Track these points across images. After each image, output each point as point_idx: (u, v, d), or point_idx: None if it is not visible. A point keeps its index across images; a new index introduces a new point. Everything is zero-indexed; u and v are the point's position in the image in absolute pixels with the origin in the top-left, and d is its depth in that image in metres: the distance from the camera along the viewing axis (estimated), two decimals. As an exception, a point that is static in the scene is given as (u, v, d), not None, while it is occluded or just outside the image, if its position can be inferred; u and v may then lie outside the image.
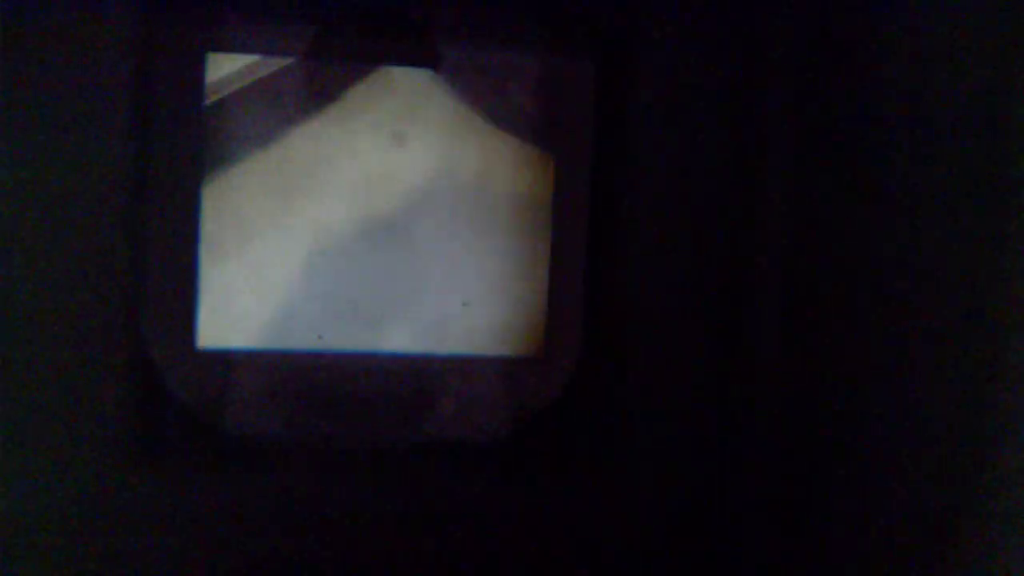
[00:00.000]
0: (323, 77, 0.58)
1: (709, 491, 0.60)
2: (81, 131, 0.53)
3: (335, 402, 0.59)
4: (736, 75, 0.58)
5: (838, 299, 0.53)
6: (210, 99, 0.56)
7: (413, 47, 0.59)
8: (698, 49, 0.58)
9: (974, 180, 0.44)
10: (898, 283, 0.48)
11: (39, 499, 0.54)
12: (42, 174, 0.53)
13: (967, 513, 0.44)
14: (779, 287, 0.57)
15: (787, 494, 0.56)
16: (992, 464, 0.42)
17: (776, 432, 0.57)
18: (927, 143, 0.47)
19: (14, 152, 0.52)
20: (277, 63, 0.58)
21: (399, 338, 0.60)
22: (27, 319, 0.53)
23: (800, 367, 0.55)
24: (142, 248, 0.55)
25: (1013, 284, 0.42)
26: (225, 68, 0.57)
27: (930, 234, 0.46)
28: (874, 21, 0.51)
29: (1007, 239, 0.42)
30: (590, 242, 0.60)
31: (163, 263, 0.56)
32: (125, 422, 0.54)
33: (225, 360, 0.57)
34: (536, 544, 0.59)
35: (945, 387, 0.45)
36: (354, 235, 0.59)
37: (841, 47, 0.54)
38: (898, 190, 0.49)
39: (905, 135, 0.48)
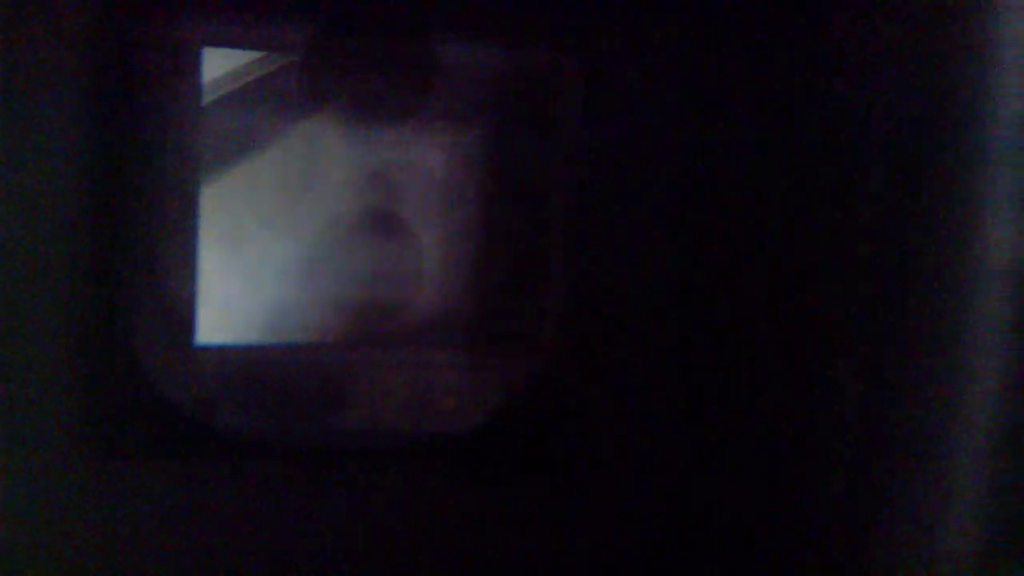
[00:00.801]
0: (321, 74, 0.59)
1: (689, 488, 0.60)
2: (74, 127, 0.53)
3: (326, 397, 0.59)
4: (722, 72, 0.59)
5: (821, 298, 0.54)
6: (208, 97, 0.56)
7: (409, 45, 0.59)
8: (685, 48, 0.59)
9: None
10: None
11: (24, 498, 0.54)
12: (35, 170, 0.53)
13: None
14: (763, 280, 0.58)
15: (770, 491, 0.57)
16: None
17: (770, 429, 0.57)
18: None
19: (6, 148, 0.52)
20: (275, 60, 0.58)
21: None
22: (14, 316, 0.53)
23: (791, 362, 0.56)
24: (138, 246, 0.55)
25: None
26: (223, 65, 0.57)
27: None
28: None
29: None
30: (570, 235, 0.61)
31: (160, 259, 0.55)
32: (116, 421, 0.54)
33: (223, 356, 0.57)
34: (513, 541, 0.59)
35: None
36: (346, 230, 0.59)
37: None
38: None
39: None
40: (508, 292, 0.61)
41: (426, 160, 0.60)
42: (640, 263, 0.60)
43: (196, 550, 0.56)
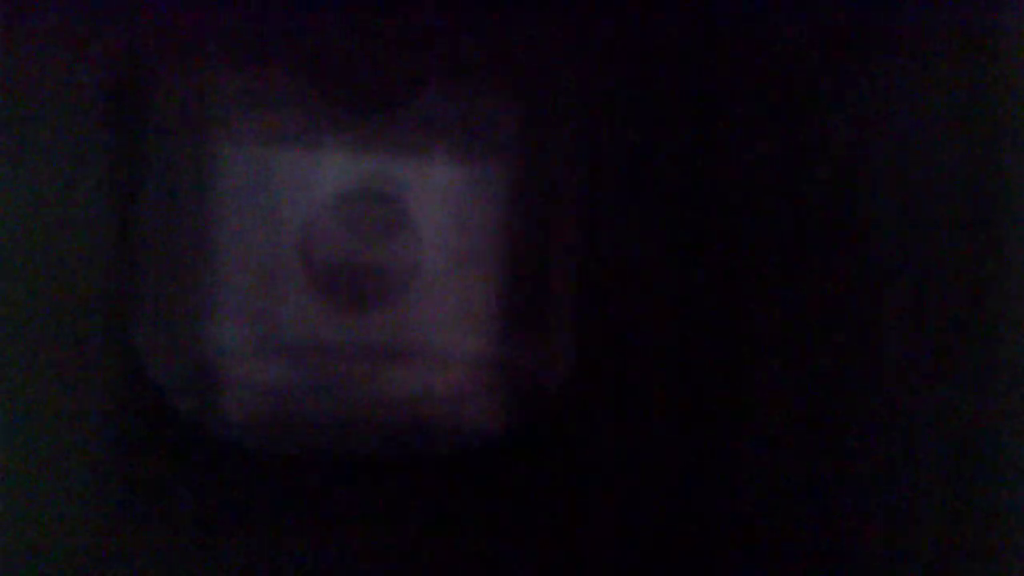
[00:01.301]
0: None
1: (706, 499, 0.61)
2: (76, 132, 0.53)
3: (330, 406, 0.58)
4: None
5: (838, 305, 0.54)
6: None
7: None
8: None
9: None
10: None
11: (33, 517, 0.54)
12: (36, 175, 0.53)
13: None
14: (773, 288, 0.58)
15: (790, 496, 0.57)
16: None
17: (780, 434, 0.58)
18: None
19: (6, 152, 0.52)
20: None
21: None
22: (14, 326, 0.53)
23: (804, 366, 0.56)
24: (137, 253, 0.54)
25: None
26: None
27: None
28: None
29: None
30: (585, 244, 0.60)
31: (160, 268, 0.55)
32: (118, 430, 0.54)
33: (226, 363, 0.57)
34: (526, 550, 0.59)
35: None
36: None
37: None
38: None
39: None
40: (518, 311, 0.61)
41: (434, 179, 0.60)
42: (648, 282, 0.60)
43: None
